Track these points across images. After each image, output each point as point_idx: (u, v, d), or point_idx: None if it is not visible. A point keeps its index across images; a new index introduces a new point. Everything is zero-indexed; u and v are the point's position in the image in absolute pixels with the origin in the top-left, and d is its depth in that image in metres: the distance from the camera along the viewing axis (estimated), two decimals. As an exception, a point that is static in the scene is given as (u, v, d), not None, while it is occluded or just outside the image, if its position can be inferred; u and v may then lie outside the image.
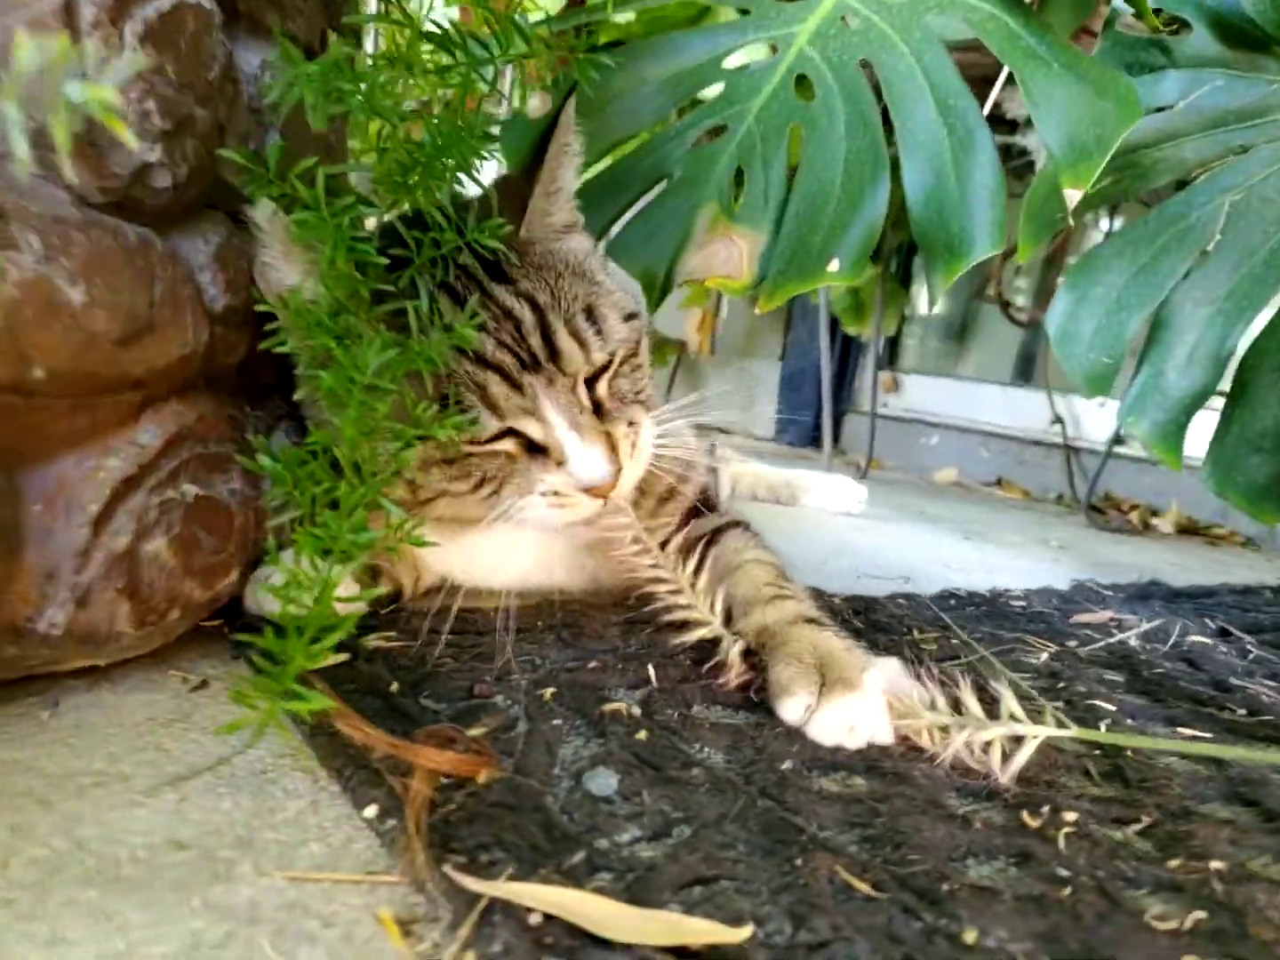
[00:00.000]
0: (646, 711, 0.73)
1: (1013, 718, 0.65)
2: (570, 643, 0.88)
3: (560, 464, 0.82)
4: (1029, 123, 2.12)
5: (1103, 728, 0.79)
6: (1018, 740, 0.67)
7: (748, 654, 0.81)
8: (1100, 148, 1.02)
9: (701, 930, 0.44)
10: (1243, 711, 0.89)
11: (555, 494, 0.83)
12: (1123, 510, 2.35)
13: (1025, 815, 0.62)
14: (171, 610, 0.74)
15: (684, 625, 0.81)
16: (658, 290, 1.19)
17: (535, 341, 0.82)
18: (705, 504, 1.06)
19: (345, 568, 0.69)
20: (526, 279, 0.84)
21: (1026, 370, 2.88)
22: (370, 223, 0.87)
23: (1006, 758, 0.66)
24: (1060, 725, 0.66)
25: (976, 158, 1.12)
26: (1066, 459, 2.52)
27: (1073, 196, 1.05)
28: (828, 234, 1.12)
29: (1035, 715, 0.68)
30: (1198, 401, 1.33)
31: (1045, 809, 0.63)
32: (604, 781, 0.61)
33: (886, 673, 0.73)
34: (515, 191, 0.90)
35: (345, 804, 0.58)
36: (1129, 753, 0.75)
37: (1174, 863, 0.58)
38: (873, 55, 1.20)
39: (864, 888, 0.51)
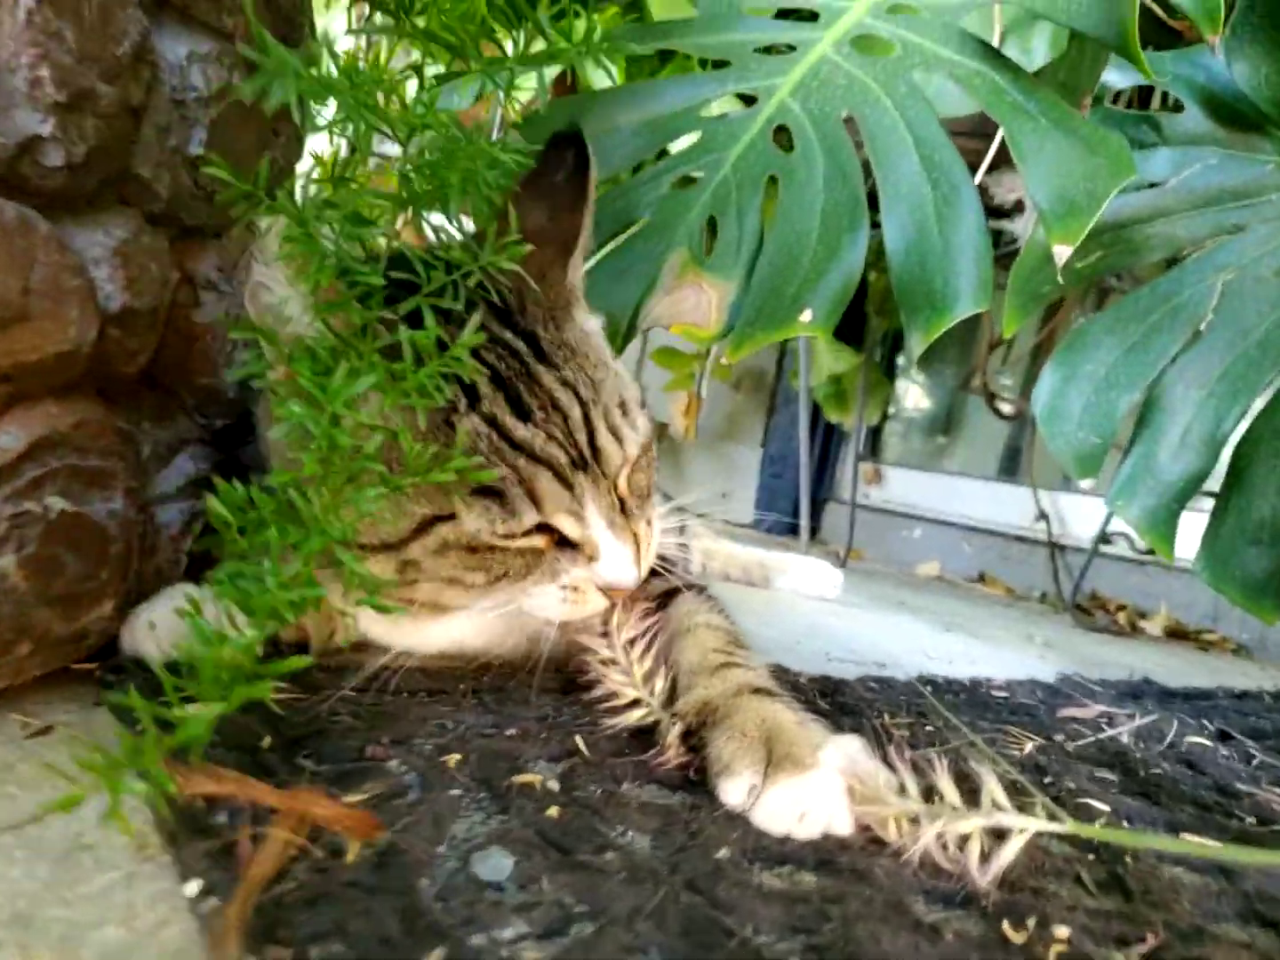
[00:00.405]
0: (566, 787, 0.62)
1: (996, 806, 0.55)
2: (492, 708, 0.77)
3: (591, 560, 0.77)
4: (1017, 208, 2.10)
5: (1096, 828, 0.68)
6: (1000, 837, 0.56)
7: (690, 734, 0.70)
8: (1091, 204, 0.97)
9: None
10: (1251, 819, 0.79)
11: (575, 589, 0.77)
12: (1109, 610, 2.26)
13: (1007, 927, 0.51)
14: (20, 643, 0.64)
15: (620, 707, 0.72)
16: (621, 334, 1.12)
17: (583, 439, 0.76)
18: (664, 565, 0.96)
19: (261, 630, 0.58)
20: (569, 365, 0.78)
21: (1011, 465, 2.82)
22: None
23: (986, 857, 0.55)
24: (1052, 818, 0.56)
25: (961, 212, 1.06)
26: (1051, 556, 2.43)
27: (1062, 254, 0.99)
28: (802, 283, 1.06)
29: (1022, 808, 0.57)
30: (1191, 486, 1.25)
31: (1031, 921, 0.52)
32: (496, 864, 0.50)
33: (846, 751, 0.63)
34: (557, 237, 0.83)
35: (171, 879, 0.47)
36: (1129, 860, 0.64)
37: (1187, 994, 0.47)
38: (855, 108, 1.16)
39: (802, 1011, 0.40)
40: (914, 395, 3.26)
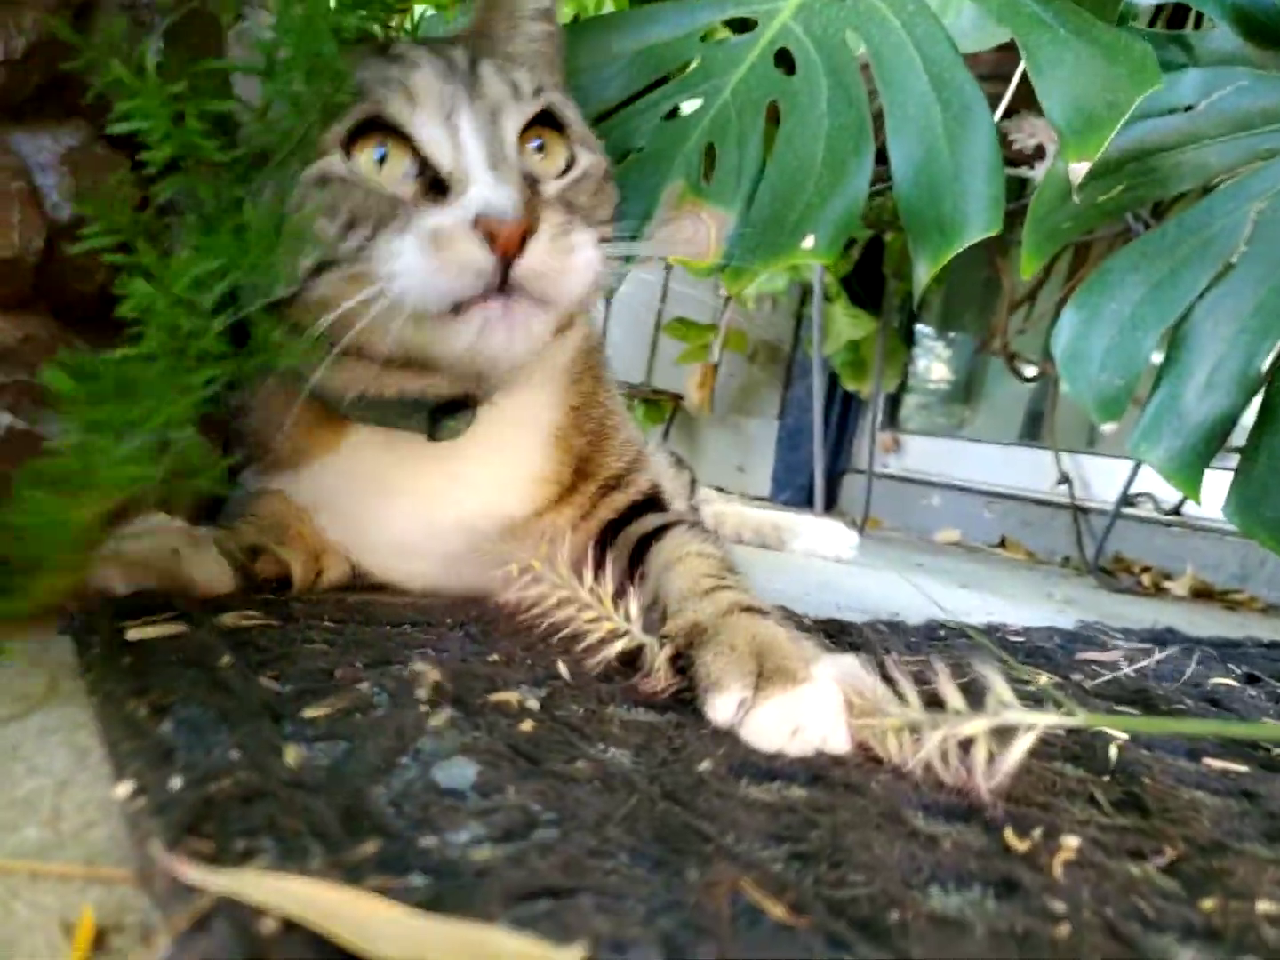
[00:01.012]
0: (546, 707, 0.59)
1: (1002, 704, 0.50)
2: (477, 639, 0.74)
3: (456, 199, 0.66)
4: (1038, 154, 2.03)
5: (1112, 753, 0.64)
6: (1006, 742, 0.52)
7: (679, 659, 0.66)
8: (1112, 115, 0.91)
9: (512, 950, 0.30)
10: (1278, 751, 0.74)
11: (434, 233, 0.64)
12: (1133, 572, 2.20)
13: (1011, 836, 0.47)
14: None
15: (601, 640, 0.67)
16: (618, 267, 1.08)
17: (463, 64, 0.72)
18: (656, 503, 0.92)
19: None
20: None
21: (1033, 429, 2.76)
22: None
23: (991, 765, 0.51)
24: (1065, 713, 0.52)
25: (972, 132, 1.01)
26: (1074, 519, 2.37)
27: (1079, 171, 0.94)
28: (805, 210, 1.01)
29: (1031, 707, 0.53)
30: (1219, 427, 1.20)
31: (1037, 832, 0.48)
32: (458, 772, 0.47)
33: (843, 665, 0.59)
34: None
35: (106, 787, 0.43)
36: (1146, 780, 0.60)
37: (1208, 904, 0.43)
38: (860, 28, 1.11)
39: (778, 911, 0.36)
40: (933, 361, 3.20)
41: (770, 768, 0.53)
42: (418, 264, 0.64)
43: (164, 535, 0.72)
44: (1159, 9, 1.78)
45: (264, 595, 0.77)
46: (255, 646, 0.62)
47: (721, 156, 1.11)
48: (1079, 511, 2.38)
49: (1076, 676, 0.93)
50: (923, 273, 1.00)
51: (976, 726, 0.49)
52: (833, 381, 2.98)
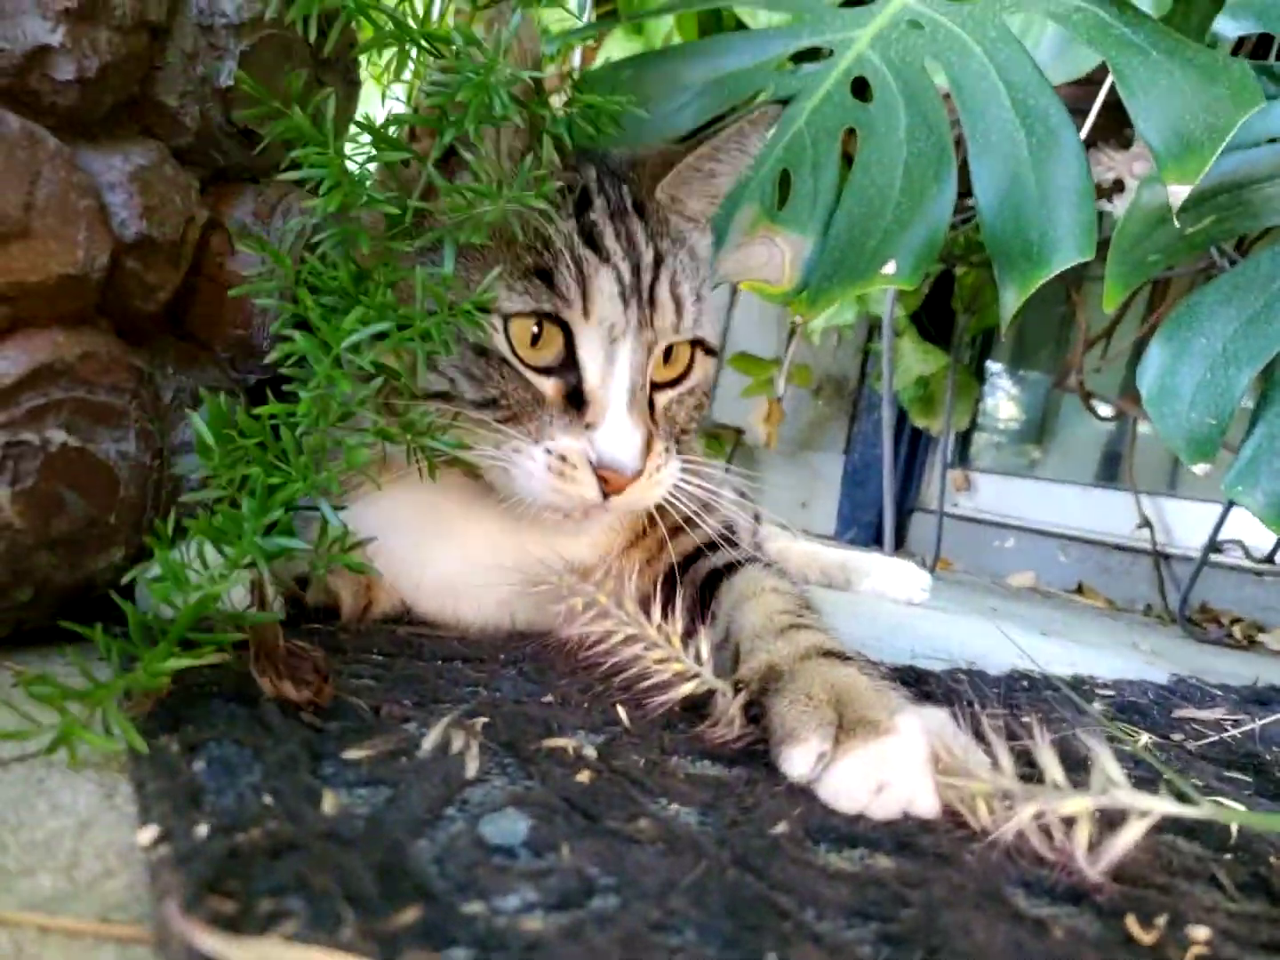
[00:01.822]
0: (604, 756, 0.54)
1: (1110, 782, 0.45)
2: (533, 678, 0.70)
3: (589, 427, 0.70)
4: (1117, 187, 1.96)
5: (1234, 830, 0.58)
6: (1112, 826, 0.46)
7: (751, 706, 0.62)
8: (1212, 138, 0.86)
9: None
10: None
11: (562, 459, 0.70)
12: (1222, 624, 2.08)
13: (1132, 925, 0.41)
14: (17, 587, 0.59)
15: (666, 682, 0.62)
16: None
17: (646, 279, 0.74)
18: (726, 540, 0.88)
19: (239, 572, 0.53)
20: (663, 237, 0.78)
21: (1110, 470, 2.65)
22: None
23: (1096, 847, 0.46)
24: (1182, 800, 0.46)
25: (1059, 157, 0.96)
26: (1156, 566, 2.26)
27: (1178, 194, 0.88)
28: (884, 236, 0.97)
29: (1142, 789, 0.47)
30: (1324, 470, 1.12)
31: (1161, 920, 0.42)
32: (509, 826, 0.43)
33: (930, 719, 0.54)
34: (663, 155, 0.84)
35: (130, 829, 0.40)
36: (1273, 860, 0.54)
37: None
38: (940, 56, 1.08)
39: (871, 1008, 0.32)
40: (1005, 399, 3.11)
41: (851, 832, 0.48)
42: (541, 480, 0.71)
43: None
44: (1242, 40, 1.72)
45: (312, 625, 0.74)
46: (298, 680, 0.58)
47: (796, 183, 1.08)
48: (1161, 558, 2.27)
49: (1177, 736, 0.86)
50: (1010, 301, 0.95)
51: (1080, 805, 0.44)
52: (901, 417, 2.91)
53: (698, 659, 0.62)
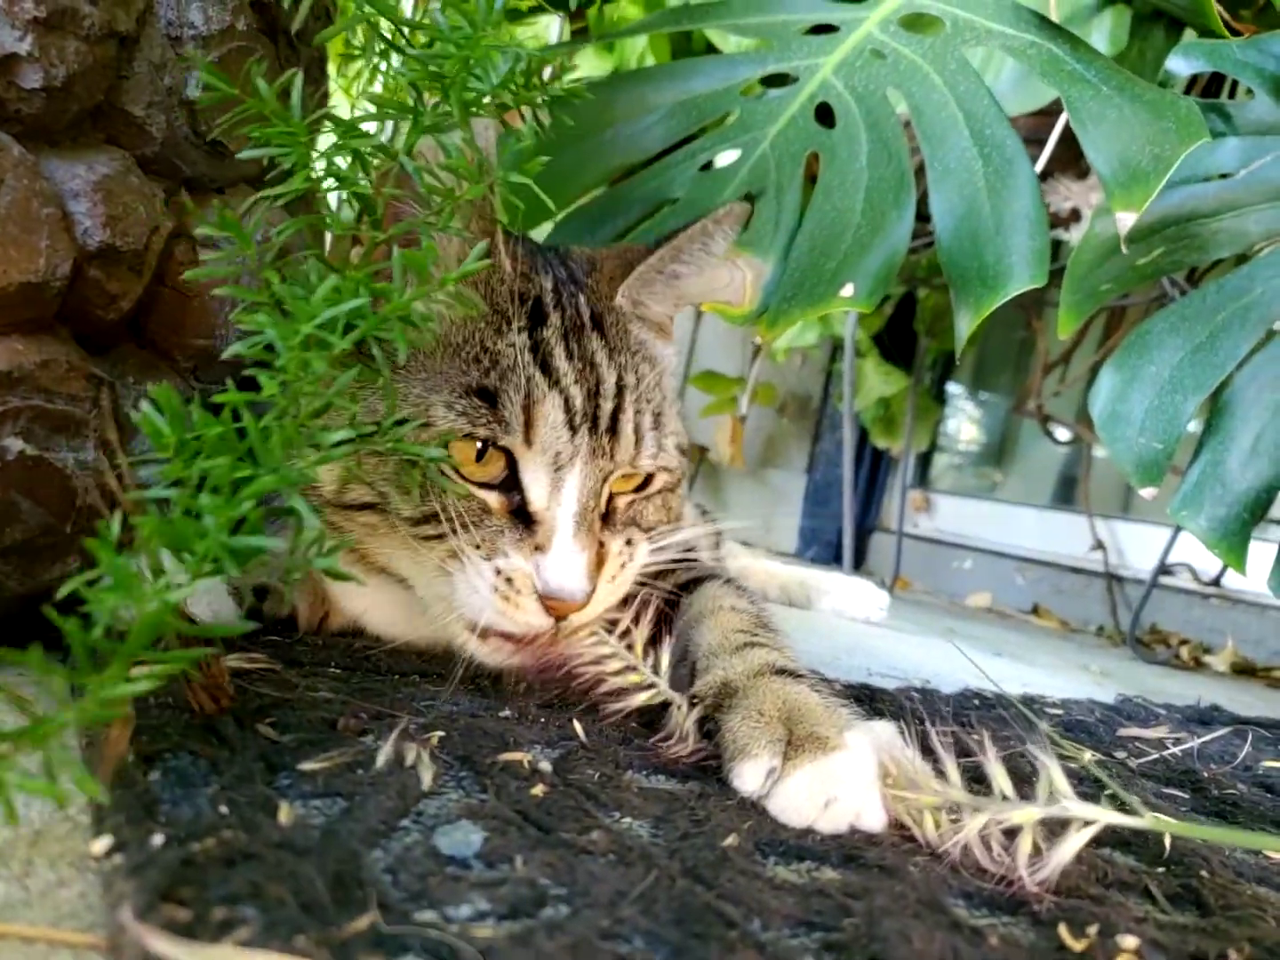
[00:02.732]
0: (559, 770, 0.55)
1: (1057, 794, 0.46)
2: (489, 693, 0.70)
3: (538, 550, 0.66)
4: (1074, 216, 2.01)
5: (1166, 840, 0.60)
6: (1055, 836, 0.48)
7: (705, 722, 0.63)
8: (1158, 168, 0.89)
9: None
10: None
11: (509, 581, 0.66)
12: (1170, 645, 2.13)
13: (1064, 933, 0.43)
14: (-29, 595, 0.59)
15: (624, 689, 0.63)
16: (649, 318, 1.06)
17: (607, 407, 0.70)
18: (688, 557, 0.89)
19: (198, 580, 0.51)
20: (622, 352, 0.74)
21: (1067, 493, 2.70)
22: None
23: (1039, 858, 0.47)
24: (1124, 810, 0.48)
25: (1014, 186, 0.99)
26: (1109, 588, 2.31)
27: (1125, 221, 0.91)
28: (843, 259, 0.99)
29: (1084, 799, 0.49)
30: (1265, 496, 1.16)
31: (1093, 930, 0.44)
32: (463, 838, 0.44)
33: (879, 734, 0.55)
34: (623, 255, 0.82)
35: (85, 840, 0.40)
36: (1204, 874, 0.55)
37: (1288, 1020, 0.39)
38: (901, 85, 1.10)
39: (810, 1014, 0.33)
40: (966, 421, 3.16)
41: (800, 846, 0.50)
42: (485, 599, 0.66)
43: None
44: (1195, 78, 1.78)
45: (271, 637, 0.74)
46: (256, 692, 0.59)
47: (759, 206, 1.10)
48: (1114, 580, 2.32)
49: (1120, 754, 0.88)
50: (964, 325, 0.98)
51: (1027, 816, 0.45)
52: (862, 438, 2.95)
53: (656, 669, 0.63)
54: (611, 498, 0.73)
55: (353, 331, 0.54)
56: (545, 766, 0.55)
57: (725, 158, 1.15)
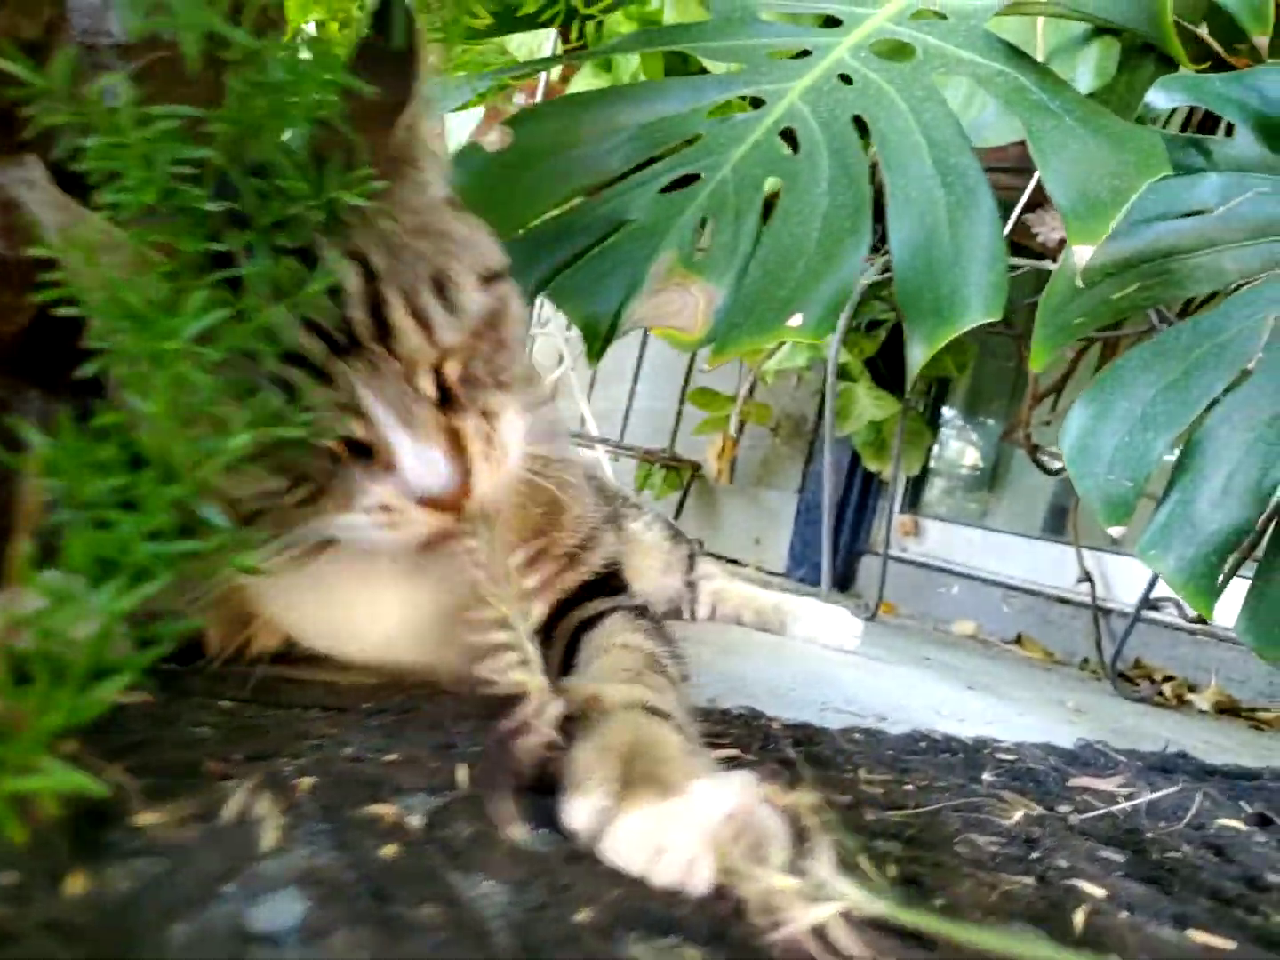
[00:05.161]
0: (433, 824, 0.52)
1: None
2: (391, 731, 0.68)
3: (389, 469, 0.64)
4: (1061, 247, 1.98)
5: (1080, 916, 0.57)
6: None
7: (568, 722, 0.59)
8: (1116, 200, 0.87)
9: None
10: (1279, 917, 0.66)
11: (384, 509, 0.64)
12: (1155, 680, 2.09)
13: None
14: None
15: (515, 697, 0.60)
16: (601, 339, 1.04)
17: (358, 315, 0.63)
18: (610, 581, 0.86)
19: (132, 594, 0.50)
20: (364, 229, 0.65)
21: (1056, 523, 2.66)
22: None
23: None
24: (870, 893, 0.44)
25: (975, 216, 0.97)
26: (1094, 620, 2.27)
27: (1082, 255, 0.89)
28: (795, 287, 0.97)
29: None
30: (1234, 538, 1.13)
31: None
32: (285, 908, 0.41)
33: (730, 789, 0.51)
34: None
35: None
36: (1115, 957, 0.52)
37: None
38: (867, 111, 1.08)
39: None
40: (958, 447, 3.13)
41: (668, 918, 0.46)
42: (372, 532, 0.65)
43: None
44: (1189, 117, 1.75)
45: (167, 666, 0.71)
46: (121, 727, 0.56)
47: (716, 231, 1.07)
48: (1100, 612, 2.28)
49: (1064, 808, 0.84)
50: (917, 355, 0.95)
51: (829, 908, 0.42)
52: (855, 460, 2.92)
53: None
54: (439, 375, 0.67)
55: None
56: (414, 821, 0.52)
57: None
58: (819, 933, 0.43)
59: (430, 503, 0.63)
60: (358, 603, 0.79)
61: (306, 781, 0.54)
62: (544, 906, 0.45)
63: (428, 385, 0.66)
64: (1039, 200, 1.70)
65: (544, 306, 2.98)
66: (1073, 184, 0.88)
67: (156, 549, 0.49)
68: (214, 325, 0.54)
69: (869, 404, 2.70)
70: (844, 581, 2.99)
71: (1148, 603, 2.06)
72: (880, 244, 0.99)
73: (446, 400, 0.67)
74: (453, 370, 0.68)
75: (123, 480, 0.51)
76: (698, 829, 0.48)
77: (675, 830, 0.48)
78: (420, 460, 0.63)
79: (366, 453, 0.65)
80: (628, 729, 0.56)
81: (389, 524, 0.64)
